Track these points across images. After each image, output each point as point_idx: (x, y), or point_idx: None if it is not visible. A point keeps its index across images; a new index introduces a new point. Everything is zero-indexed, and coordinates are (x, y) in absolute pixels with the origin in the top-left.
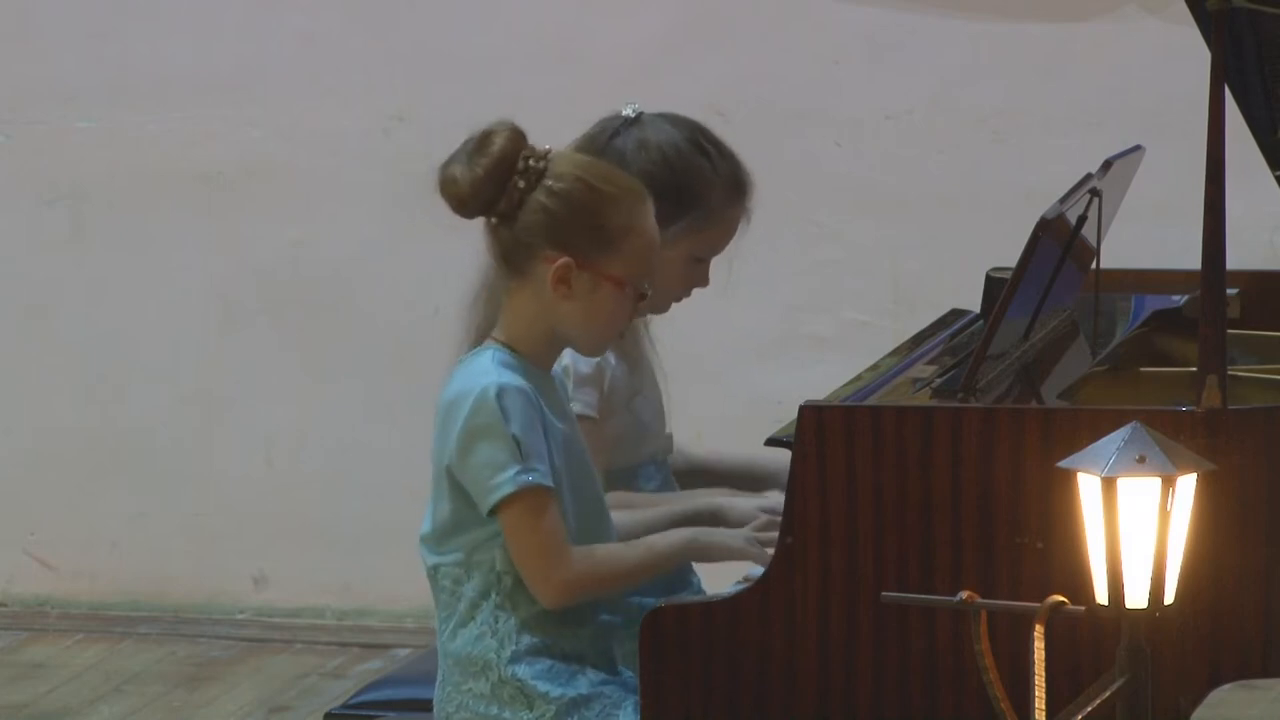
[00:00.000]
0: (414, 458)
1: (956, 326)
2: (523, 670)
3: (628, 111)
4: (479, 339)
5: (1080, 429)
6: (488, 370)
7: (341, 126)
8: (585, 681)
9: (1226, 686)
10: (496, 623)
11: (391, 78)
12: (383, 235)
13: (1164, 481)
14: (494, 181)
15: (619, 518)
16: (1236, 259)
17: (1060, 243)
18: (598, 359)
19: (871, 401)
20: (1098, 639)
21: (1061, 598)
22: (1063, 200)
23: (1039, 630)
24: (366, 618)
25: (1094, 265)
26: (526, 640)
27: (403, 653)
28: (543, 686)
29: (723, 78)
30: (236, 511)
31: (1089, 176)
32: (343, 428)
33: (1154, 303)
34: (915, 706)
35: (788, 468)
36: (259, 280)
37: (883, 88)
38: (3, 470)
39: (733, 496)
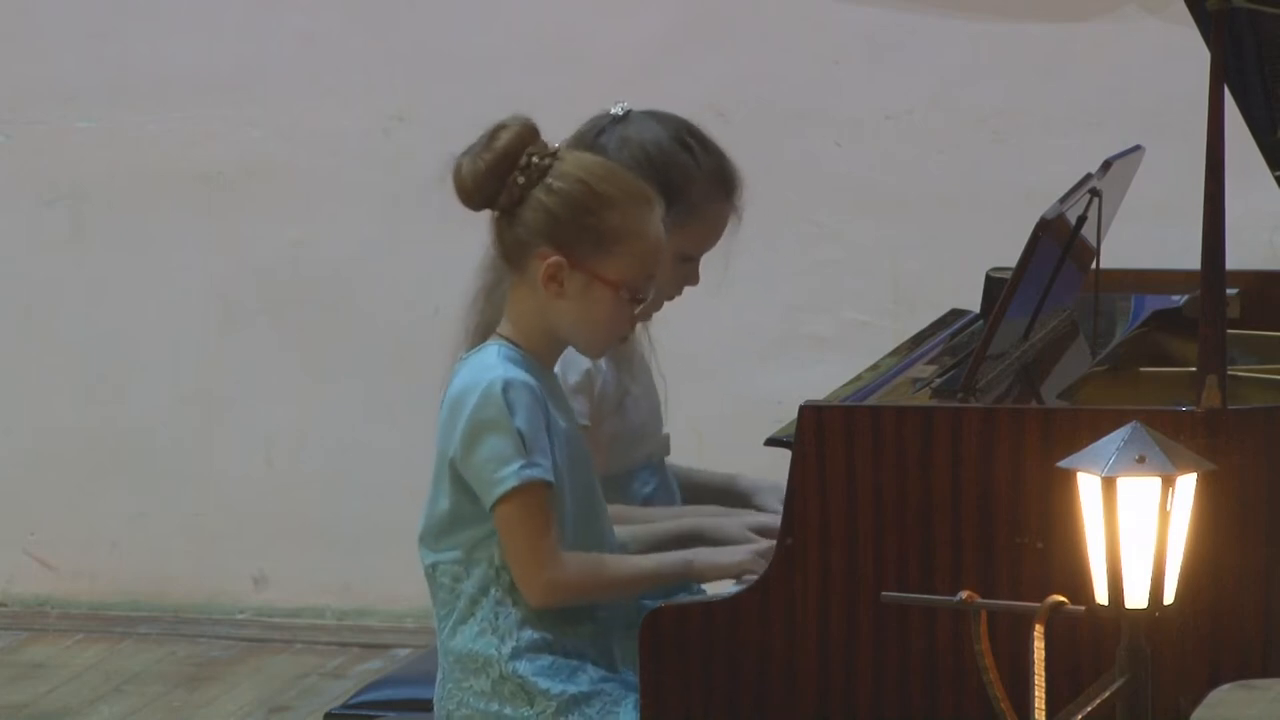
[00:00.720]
0: (414, 458)
1: (956, 326)
2: (523, 667)
3: (616, 110)
4: (477, 340)
5: (1080, 429)
6: (494, 365)
7: (341, 126)
8: (586, 678)
9: (1226, 686)
10: (496, 619)
11: (391, 78)
12: (383, 235)
13: (1164, 481)
14: (495, 175)
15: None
16: (1236, 259)
17: (1060, 243)
18: (587, 366)
19: (871, 401)
20: (1098, 639)
21: (1061, 598)
22: (1063, 200)
23: (1039, 630)
24: (366, 618)
25: (1094, 265)
26: (527, 636)
27: (403, 653)
28: (543, 683)
29: (723, 78)
30: (236, 511)
31: (1089, 176)
32: (343, 428)
33: (1154, 303)
34: (915, 706)
35: (764, 489)
36: (259, 280)
37: (883, 88)
38: (3, 470)
39: (718, 517)
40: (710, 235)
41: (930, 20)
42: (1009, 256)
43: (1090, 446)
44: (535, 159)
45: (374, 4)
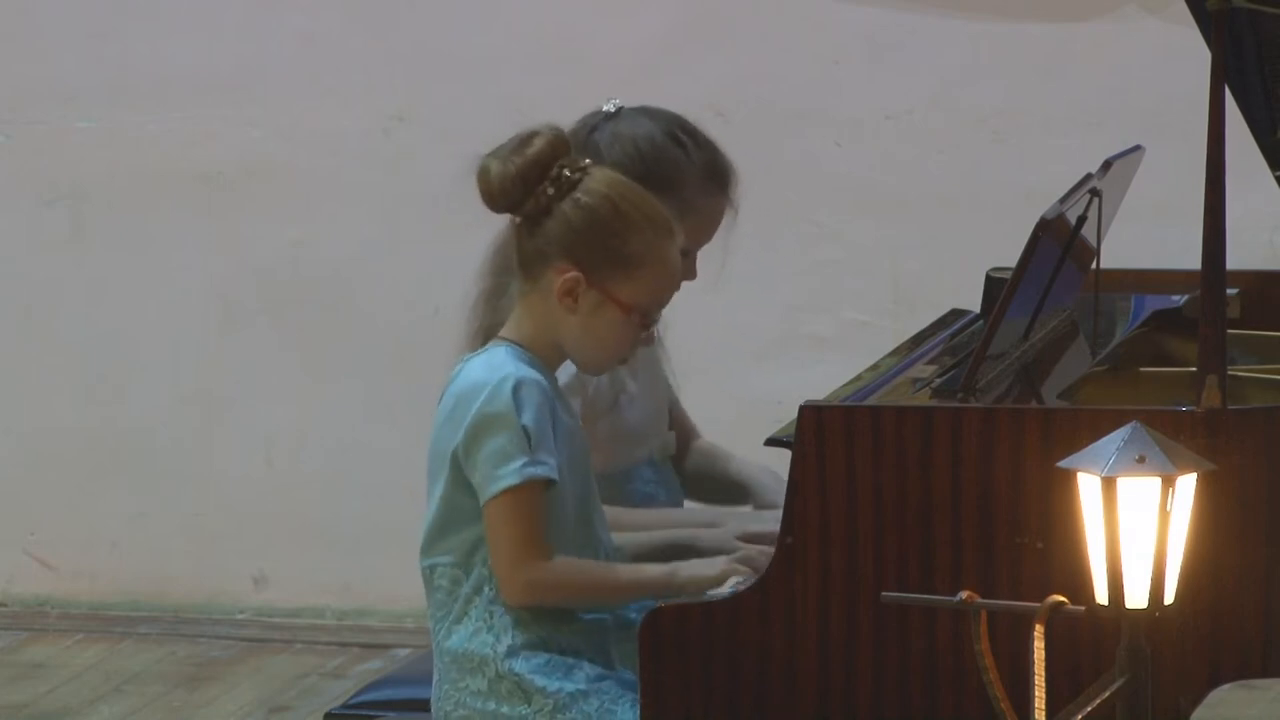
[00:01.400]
0: (414, 458)
1: (956, 326)
2: (520, 665)
3: (608, 107)
4: (478, 344)
5: (1080, 429)
6: (505, 363)
7: (341, 126)
8: (582, 676)
9: (1226, 686)
10: (491, 618)
11: (391, 78)
12: (383, 235)
13: (1164, 481)
14: (524, 182)
15: None
16: (1236, 259)
17: (1060, 243)
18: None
19: (871, 401)
20: (1098, 639)
21: (1061, 598)
22: (1063, 200)
23: (1039, 630)
24: (366, 618)
25: (1094, 265)
26: (522, 635)
27: (403, 653)
28: (540, 681)
29: (723, 78)
30: (236, 511)
31: (1089, 176)
32: (343, 428)
33: (1154, 303)
34: (915, 706)
35: (763, 484)
36: (259, 280)
37: (883, 88)
38: (3, 470)
39: (712, 526)
40: (705, 230)
41: (930, 20)
42: (1009, 256)
43: (1090, 446)
44: (566, 171)
45: (374, 4)
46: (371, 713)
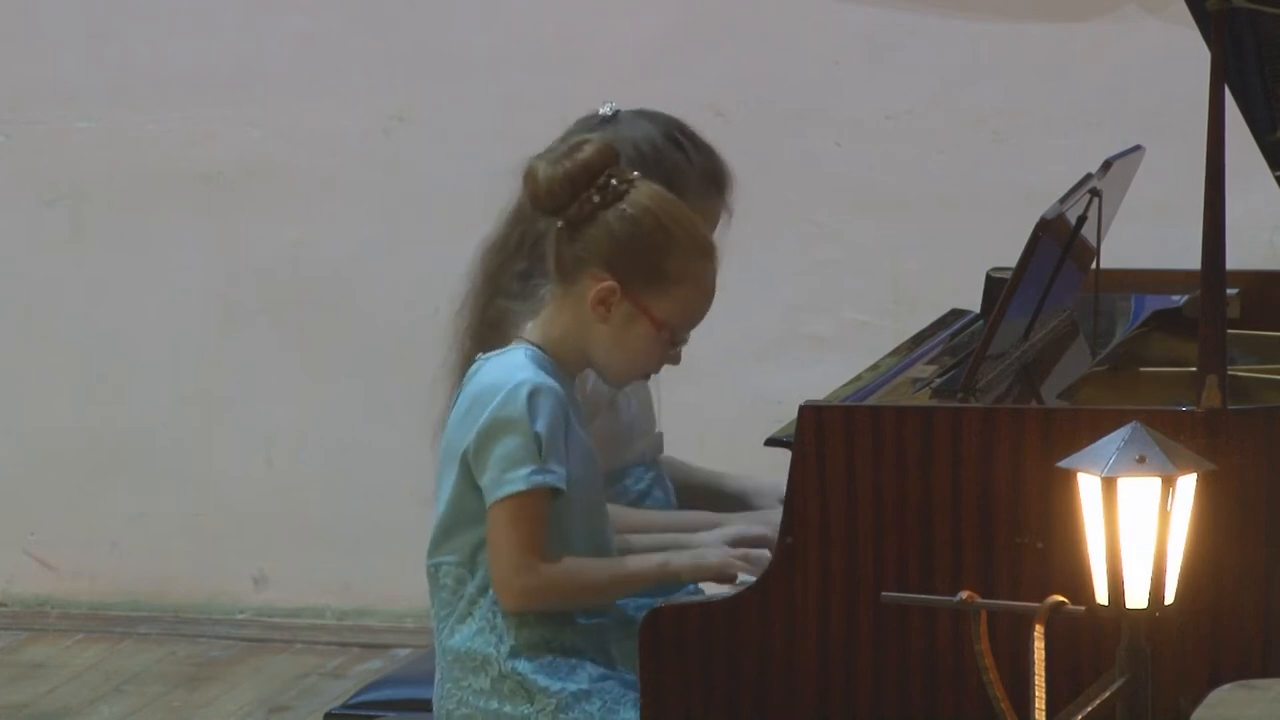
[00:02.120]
0: (414, 458)
1: (956, 326)
2: (522, 665)
3: (604, 110)
4: (468, 342)
5: (1080, 429)
6: (523, 366)
7: (341, 126)
8: (585, 675)
9: (1226, 686)
10: (494, 618)
11: (391, 78)
12: (383, 235)
13: (1164, 481)
14: (572, 186)
15: None
16: (1236, 259)
17: (1060, 243)
18: None
19: (871, 401)
20: (1098, 639)
21: (1061, 598)
22: (1063, 200)
23: (1039, 630)
24: (366, 618)
25: (1094, 265)
26: (525, 635)
27: (403, 653)
28: (543, 681)
29: (723, 78)
30: (236, 511)
31: (1089, 176)
32: (343, 428)
33: (1154, 303)
34: (915, 706)
35: (764, 490)
36: (259, 280)
37: (883, 88)
38: (3, 470)
39: (699, 532)
40: None
41: (930, 20)
42: (1009, 256)
43: (1090, 446)
44: (614, 181)
45: (374, 4)
46: (371, 713)
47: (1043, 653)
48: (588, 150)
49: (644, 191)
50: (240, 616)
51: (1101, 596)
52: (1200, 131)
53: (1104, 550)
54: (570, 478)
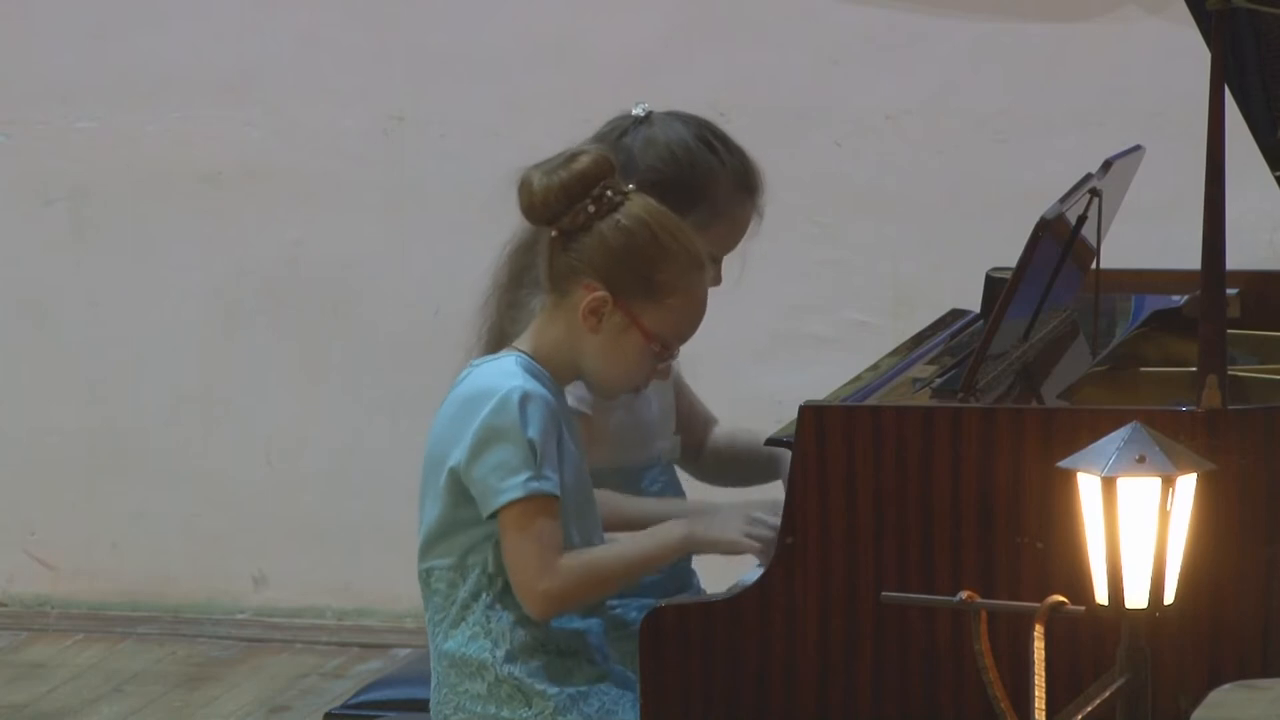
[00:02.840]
0: (414, 458)
1: (956, 326)
2: (519, 669)
3: (638, 111)
4: (489, 341)
5: (1080, 429)
6: (513, 373)
7: (341, 126)
8: (582, 677)
9: (1226, 686)
10: (489, 622)
11: (391, 78)
12: (383, 235)
13: (1164, 481)
14: (567, 196)
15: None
16: (1236, 259)
17: (1060, 243)
18: None
19: (871, 401)
20: (1098, 639)
21: (1061, 598)
22: (1063, 200)
23: (1039, 630)
24: (366, 618)
25: (1094, 265)
26: (520, 638)
27: (403, 653)
28: (540, 684)
29: (723, 78)
30: (236, 511)
31: (1089, 176)
32: (343, 428)
33: (1154, 303)
34: (915, 706)
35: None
36: (259, 280)
37: (883, 88)
38: (3, 470)
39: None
40: (734, 236)
41: (930, 20)
42: (1009, 256)
43: (1090, 446)
44: (609, 192)
45: (374, 4)
46: (371, 713)
47: (1043, 653)
48: (583, 161)
49: (638, 203)
50: (240, 616)
51: (1101, 596)
52: (1200, 131)
53: (1104, 550)
54: (563, 487)
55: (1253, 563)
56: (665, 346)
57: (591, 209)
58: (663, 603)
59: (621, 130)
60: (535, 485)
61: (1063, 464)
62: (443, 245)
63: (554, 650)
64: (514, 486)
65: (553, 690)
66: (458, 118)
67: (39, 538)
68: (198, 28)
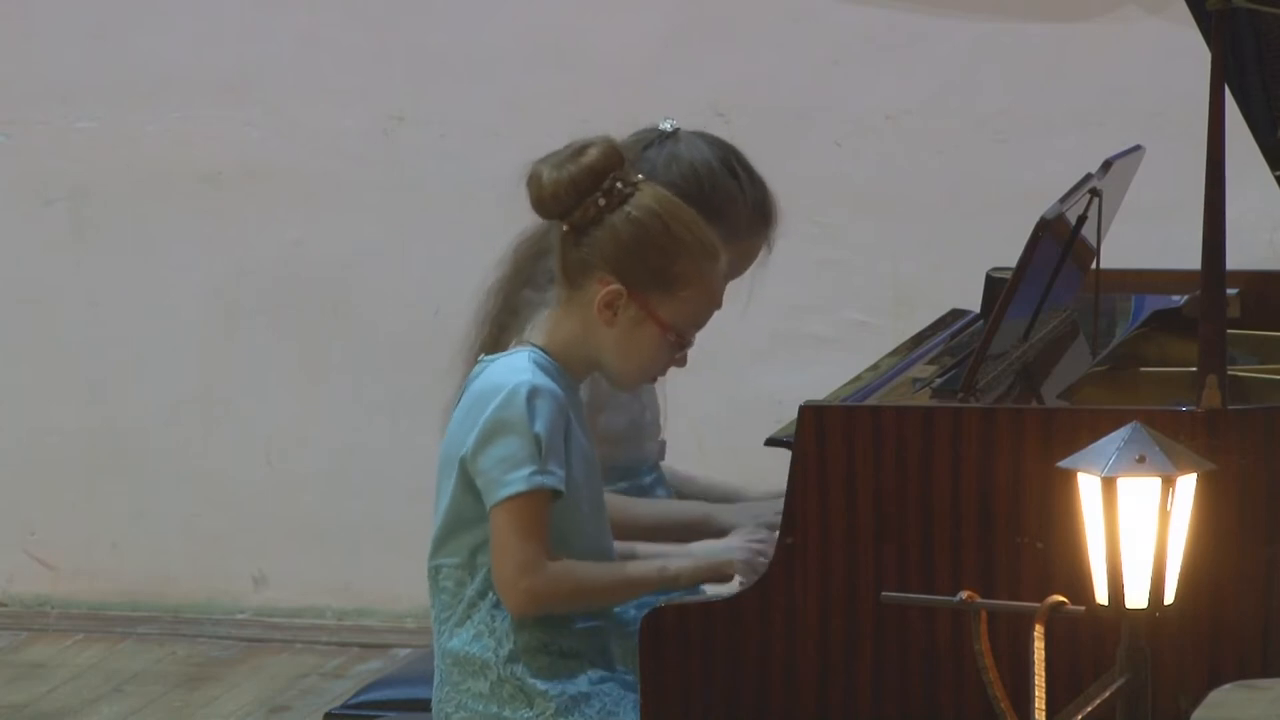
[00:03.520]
0: (414, 458)
1: (956, 326)
2: (521, 669)
3: (665, 125)
4: (489, 331)
5: (1080, 429)
6: (524, 368)
7: (341, 126)
8: (584, 678)
9: (1226, 686)
10: (493, 621)
11: (391, 78)
12: (383, 235)
13: (1164, 481)
14: (577, 190)
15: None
16: (1236, 259)
17: (1060, 243)
18: None
19: (871, 401)
20: (1098, 639)
21: (1061, 598)
22: (1063, 200)
23: (1039, 630)
24: (366, 618)
25: (1094, 265)
26: (523, 638)
27: (403, 653)
28: (542, 684)
29: (723, 78)
30: (236, 511)
31: (1089, 176)
32: (343, 428)
33: (1154, 303)
34: (915, 706)
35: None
36: (259, 280)
37: (883, 88)
38: (3, 470)
39: (732, 505)
40: (743, 263)
41: (930, 20)
42: (1009, 256)
43: (1090, 446)
44: (619, 184)
45: (374, 4)
46: (371, 713)
47: (1043, 653)
48: (592, 153)
49: (650, 195)
50: (240, 616)
51: (1101, 596)
52: (1200, 131)
53: (1104, 550)
54: (571, 482)
55: (1253, 563)
56: (681, 336)
57: (602, 202)
58: (662, 602)
59: (647, 143)
60: (539, 479)
61: (1063, 464)
62: (442, 245)
63: (556, 651)
64: (518, 480)
65: (554, 691)
66: (458, 118)
67: (39, 538)
68: (198, 28)
